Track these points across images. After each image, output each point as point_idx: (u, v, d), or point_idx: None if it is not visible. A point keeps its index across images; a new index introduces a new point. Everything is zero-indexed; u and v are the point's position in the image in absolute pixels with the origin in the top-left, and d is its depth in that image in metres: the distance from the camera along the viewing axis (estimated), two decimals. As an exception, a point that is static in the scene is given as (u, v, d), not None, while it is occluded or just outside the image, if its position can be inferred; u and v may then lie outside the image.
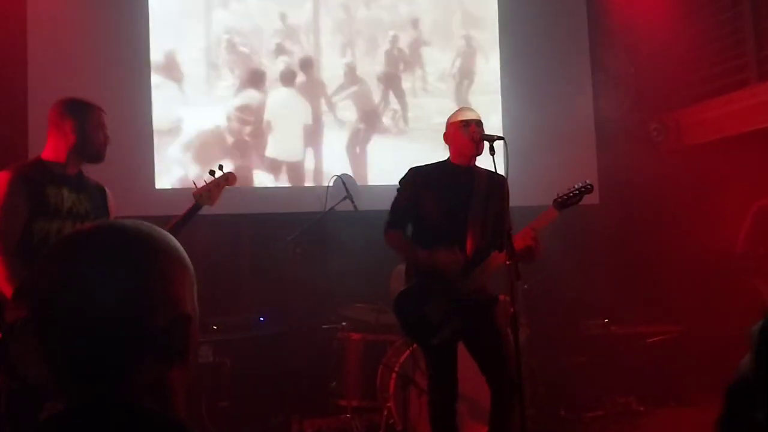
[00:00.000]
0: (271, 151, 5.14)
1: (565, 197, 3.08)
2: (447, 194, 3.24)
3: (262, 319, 4.75)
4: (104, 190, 2.96)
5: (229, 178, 3.05)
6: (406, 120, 5.39)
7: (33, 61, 4.54)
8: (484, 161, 3.24)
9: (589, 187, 3.07)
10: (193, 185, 3.01)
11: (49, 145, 2.81)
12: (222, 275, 4.86)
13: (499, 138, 3.05)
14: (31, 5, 4.56)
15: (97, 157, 2.85)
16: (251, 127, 5.10)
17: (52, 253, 0.94)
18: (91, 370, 0.90)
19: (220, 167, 3.06)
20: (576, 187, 3.08)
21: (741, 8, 5.14)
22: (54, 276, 0.91)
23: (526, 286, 4.52)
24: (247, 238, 5.14)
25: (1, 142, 4.25)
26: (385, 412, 4.06)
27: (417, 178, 3.30)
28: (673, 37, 5.35)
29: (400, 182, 3.35)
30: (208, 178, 3.01)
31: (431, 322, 3.17)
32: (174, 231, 2.81)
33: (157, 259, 0.93)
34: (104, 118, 2.86)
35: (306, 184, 5.16)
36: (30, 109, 4.43)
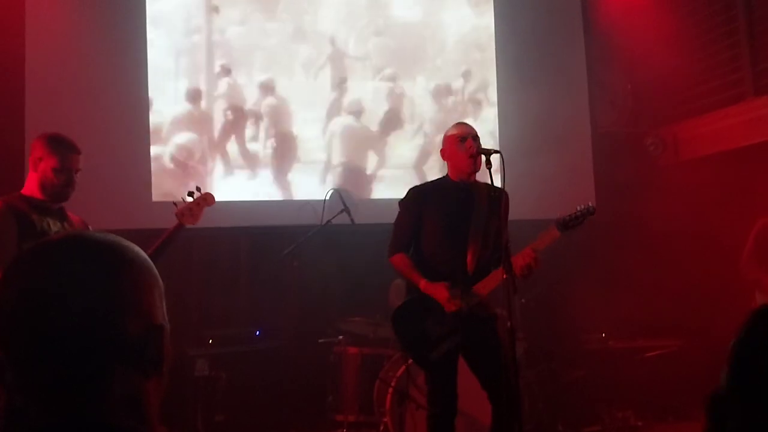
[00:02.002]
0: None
1: (568, 219, 3.09)
2: (448, 211, 3.26)
3: (258, 332, 4.73)
4: (87, 227, 3.05)
5: (207, 199, 3.23)
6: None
7: (30, 74, 4.54)
8: (481, 175, 3.26)
9: (591, 209, 3.09)
10: (174, 206, 3.16)
11: (28, 181, 2.94)
12: (218, 288, 4.85)
13: (496, 152, 3.07)
14: (30, 15, 4.58)
15: (56, 198, 2.92)
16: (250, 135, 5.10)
17: (18, 265, 0.91)
18: (62, 384, 0.87)
19: (198, 189, 3.24)
20: (579, 209, 3.09)
21: (737, 24, 5.18)
22: (20, 288, 0.89)
23: (523, 300, 4.51)
24: (244, 251, 5.13)
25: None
26: (382, 427, 4.03)
27: (418, 197, 3.33)
28: (669, 52, 5.38)
29: (400, 203, 3.37)
30: (188, 199, 3.19)
31: (430, 336, 3.16)
32: (161, 250, 2.97)
33: (124, 268, 0.91)
34: (72, 161, 2.89)
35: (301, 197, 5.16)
36: (27, 115, 4.44)
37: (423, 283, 3.17)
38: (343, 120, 5.29)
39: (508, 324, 2.84)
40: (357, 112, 5.31)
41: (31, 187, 2.91)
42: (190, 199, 3.18)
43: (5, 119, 4.41)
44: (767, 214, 4.26)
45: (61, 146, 2.88)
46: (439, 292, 3.13)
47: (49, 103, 4.45)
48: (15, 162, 4.16)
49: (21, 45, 4.53)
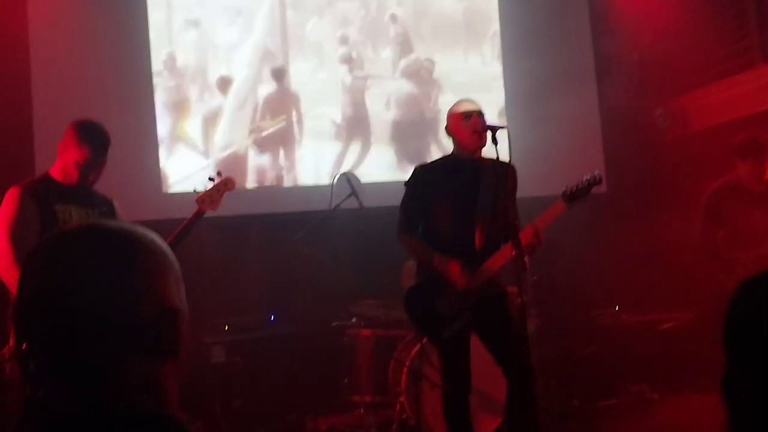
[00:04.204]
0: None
1: (574, 190, 3.05)
2: (454, 189, 3.24)
3: (272, 318, 4.77)
4: (112, 204, 3.04)
5: (227, 183, 3.16)
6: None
7: (36, 67, 4.54)
8: (487, 151, 3.23)
9: (597, 178, 3.05)
10: (194, 192, 3.11)
11: (56, 163, 2.90)
12: (231, 276, 4.88)
13: (502, 128, 3.05)
14: (32, 14, 4.57)
15: (75, 185, 2.88)
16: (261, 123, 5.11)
17: (35, 255, 0.95)
18: (80, 370, 0.89)
19: (219, 174, 3.18)
20: (585, 179, 3.05)
21: (743, -10, 5.11)
22: (37, 277, 0.92)
23: (535, 277, 4.51)
24: (255, 238, 5.15)
25: (7, 156, 4.25)
26: (398, 407, 4.07)
27: (423, 176, 3.31)
28: (675, 21, 5.31)
29: (406, 183, 3.36)
30: (209, 185, 3.13)
31: (441, 315, 3.17)
32: (181, 236, 2.90)
33: (138, 254, 0.94)
34: (98, 157, 2.85)
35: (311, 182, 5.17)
36: (35, 116, 4.44)
37: (436, 259, 3.16)
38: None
39: (520, 300, 2.84)
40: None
41: (56, 169, 2.89)
42: (210, 185, 3.12)
43: (12, 120, 4.42)
44: (716, 182, 4.24)
45: (90, 141, 2.82)
46: (452, 267, 3.12)
47: (54, 101, 4.45)
48: (23, 153, 4.18)
49: (24, 40, 4.54)
